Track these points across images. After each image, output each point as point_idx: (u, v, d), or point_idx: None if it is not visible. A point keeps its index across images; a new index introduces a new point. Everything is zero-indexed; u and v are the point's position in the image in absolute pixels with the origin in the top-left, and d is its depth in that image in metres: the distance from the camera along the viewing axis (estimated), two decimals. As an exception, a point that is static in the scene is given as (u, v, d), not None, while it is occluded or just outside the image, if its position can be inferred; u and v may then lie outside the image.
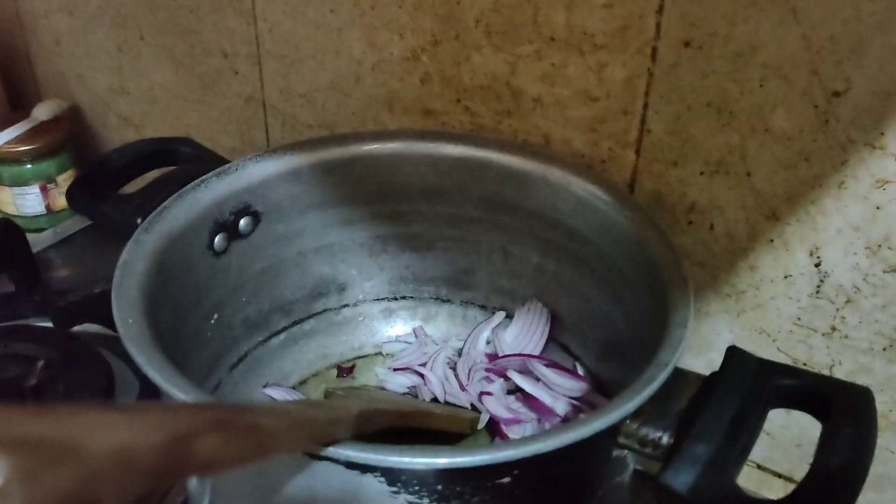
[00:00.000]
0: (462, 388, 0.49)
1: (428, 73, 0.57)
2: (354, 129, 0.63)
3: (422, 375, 0.50)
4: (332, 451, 0.28)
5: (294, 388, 0.51)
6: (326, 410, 0.31)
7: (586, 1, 0.48)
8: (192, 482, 0.37)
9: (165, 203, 0.41)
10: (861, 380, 0.49)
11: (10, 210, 0.78)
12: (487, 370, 0.50)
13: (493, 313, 0.54)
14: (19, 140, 0.77)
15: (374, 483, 0.30)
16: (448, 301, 0.55)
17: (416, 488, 0.30)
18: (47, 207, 0.79)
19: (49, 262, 0.74)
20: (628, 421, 0.33)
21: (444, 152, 0.49)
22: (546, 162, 0.47)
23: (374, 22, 0.57)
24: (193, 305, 0.43)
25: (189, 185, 0.42)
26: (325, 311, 0.53)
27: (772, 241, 0.48)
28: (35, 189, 0.78)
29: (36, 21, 0.81)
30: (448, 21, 0.54)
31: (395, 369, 0.51)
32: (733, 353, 0.35)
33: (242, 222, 0.46)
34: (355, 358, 0.54)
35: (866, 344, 0.48)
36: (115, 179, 0.47)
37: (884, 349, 0.47)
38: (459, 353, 0.53)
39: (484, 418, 0.48)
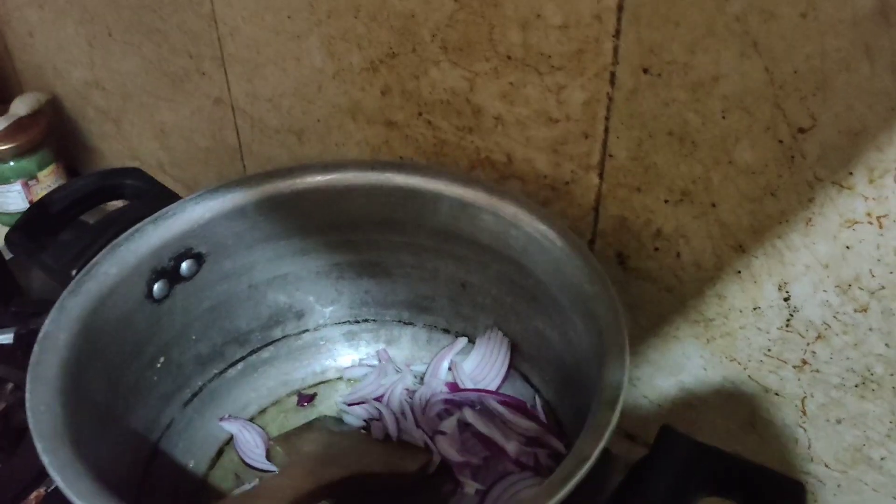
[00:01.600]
0: (417, 424, 0.48)
1: (388, 84, 0.54)
2: (321, 136, 0.61)
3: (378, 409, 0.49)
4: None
5: (252, 419, 0.51)
6: None
7: (541, 21, 0.45)
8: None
9: (96, 259, 0.40)
10: (833, 413, 0.47)
11: (-5, 208, 0.78)
12: (445, 402, 0.49)
13: (457, 337, 0.53)
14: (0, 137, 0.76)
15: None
16: (411, 324, 0.54)
17: None
18: (30, 203, 0.78)
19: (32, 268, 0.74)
20: (549, 512, 0.32)
21: (394, 183, 0.47)
22: (498, 196, 0.45)
23: (331, 31, 0.54)
24: (134, 356, 0.43)
25: (122, 236, 0.41)
26: (284, 337, 0.53)
27: (739, 272, 0.46)
28: (17, 186, 0.77)
29: (10, 13, 0.79)
30: (404, 34, 0.51)
31: (349, 404, 0.50)
32: (666, 435, 0.33)
33: (184, 266, 0.44)
34: (317, 384, 0.54)
35: (838, 379, 0.46)
36: (57, 221, 0.46)
37: (856, 385, 0.45)
38: (422, 378, 0.52)
39: (436, 460, 0.47)
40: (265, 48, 0.59)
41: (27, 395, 0.33)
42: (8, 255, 0.67)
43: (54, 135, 0.80)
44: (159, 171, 0.77)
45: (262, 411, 0.52)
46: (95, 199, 0.48)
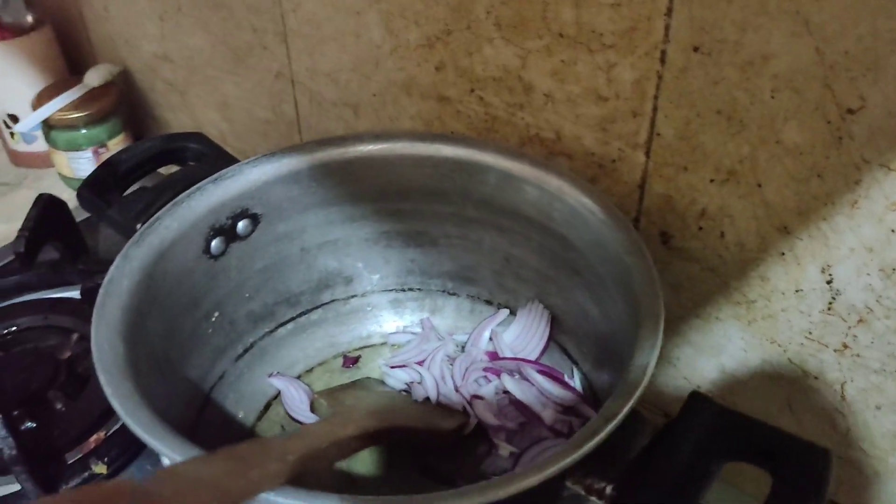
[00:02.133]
0: (456, 389, 0.50)
1: (442, 61, 0.55)
2: (376, 110, 0.63)
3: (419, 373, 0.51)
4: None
5: (300, 377, 0.53)
6: (260, 458, 0.32)
7: (594, -2, 0.45)
8: None
9: (159, 214, 0.42)
10: (873, 399, 0.47)
11: (66, 173, 0.82)
12: (485, 370, 0.51)
13: (499, 309, 0.54)
14: (72, 107, 0.80)
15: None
16: (455, 294, 0.55)
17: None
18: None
19: (102, 229, 0.78)
20: (576, 468, 0.33)
21: (443, 154, 0.48)
22: (544, 169, 0.46)
23: (389, 8, 0.56)
24: (191, 307, 0.45)
25: (184, 194, 0.44)
26: (332, 301, 0.55)
27: (783, 254, 0.46)
28: (88, 153, 0.81)
29: (86, -14, 0.83)
30: (459, 11, 0.52)
31: (391, 367, 0.52)
32: (694, 400, 0.34)
33: (240, 225, 0.47)
34: (362, 347, 0.55)
35: (878, 364, 0.46)
36: (123, 180, 0.49)
37: (896, 371, 0.45)
38: (463, 347, 0.53)
39: (472, 422, 0.48)
40: (326, 24, 0.61)
41: (92, 334, 0.36)
42: (79, 217, 0.70)
43: (124, 105, 0.83)
44: (221, 141, 0.79)
45: (309, 370, 0.54)
46: (160, 161, 0.51)
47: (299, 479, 0.31)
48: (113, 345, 0.36)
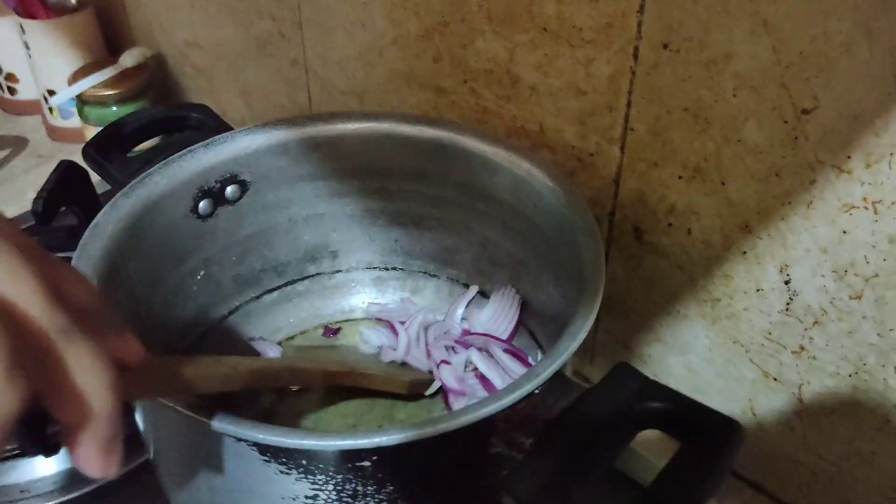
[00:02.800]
0: (427, 353, 0.52)
1: (440, 52, 0.58)
2: (380, 98, 0.66)
3: (395, 333, 0.53)
4: (212, 422, 0.32)
5: (280, 343, 0.56)
6: (221, 367, 0.35)
7: (574, -5, 0.47)
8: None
9: (150, 170, 0.46)
10: (829, 403, 0.48)
11: (96, 147, 0.87)
12: (456, 341, 0.53)
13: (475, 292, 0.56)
14: (106, 84, 0.84)
15: (248, 451, 0.33)
16: (435, 276, 0.57)
17: (284, 460, 0.33)
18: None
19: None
20: (500, 422, 0.35)
21: (425, 136, 0.51)
22: (516, 154, 0.48)
23: (393, -1, 0.59)
24: (176, 262, 0.48)
25: (176, 154, 0.47)
26: (318, 274, 0.57)
27: (745, 252, 0.47)
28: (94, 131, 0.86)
29: (127, -27, 0.88)
30: (455, 3, 0.55)
31: (378, 319, 0.55)
32: (619, 369, 0.36)
33: (229, 190, 0.50)
34: (343, 321, 0.58)
35: (833, 367, 0.46)
36: (126, 141, 0.52)
37: (849, 375, 0.46)
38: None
39: (435, 385, 0.50)
40: (336, 13, 0.64)
41: (74, 264, 0.39)
42: (100, 190, 0.74)
43: (154, 87, 0.88)
44: (241, 125, 0.83)
45: (290, 338, 0.56)
46: (164, 126, 0.54)
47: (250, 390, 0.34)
48: (95, 275, 0.39)
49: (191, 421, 0.33)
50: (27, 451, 0.52)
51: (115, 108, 0.85)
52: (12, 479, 0.53)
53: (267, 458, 0.34)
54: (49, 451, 0.53)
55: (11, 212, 0.80)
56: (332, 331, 0.57)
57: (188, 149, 0.47)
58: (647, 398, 0.34)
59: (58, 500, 0.52)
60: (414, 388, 0.50)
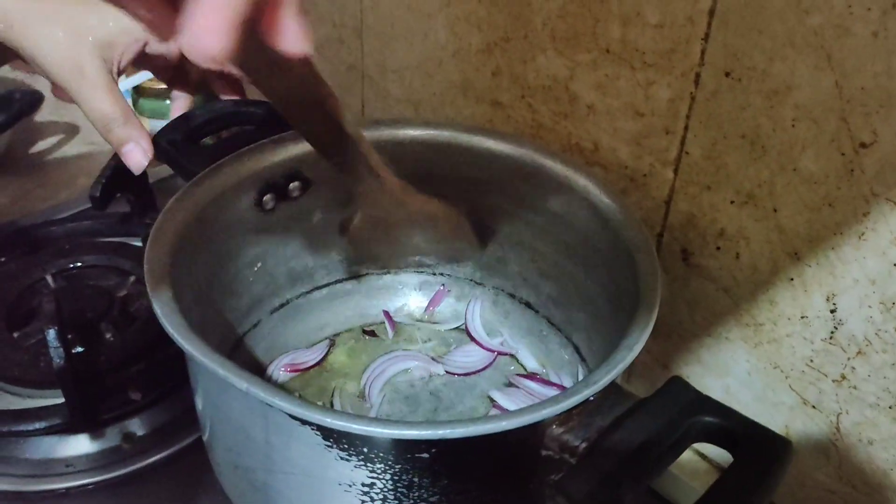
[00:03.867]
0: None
1: (499, 66, 0.59)
2: (435, 108, 0.67)
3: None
4: (277, 402, 0.33)
5: (328, 338, 0.57)
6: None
7: (640, 19, 0.49)
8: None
9: (220, 162, 0.47)
10: (866, 433, 0.48)
11: (149, 139, 0.89)
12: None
13: (521, 304, 0.57)
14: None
15: (311, 434, 0.35)
16: (481, 284, 0.59)
17: (346, 446, 0.35)
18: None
19: (172, 190, 0.84)
20: (555, 426, 0.36)
21: (484, 146, 0.52)
22: (573, 169, 0.50)
23: (456, 12, 0.60)
24: (236, 253, 0.50)
25: (245, 149, 0.49)
26: (367, 274, 0.59)
27: (792, 279, 0.48)
28: (148, 122, 0.88)
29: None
30: (519, 20, 0.56)
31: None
32: (673, 383, 0.37)
33: (292, 186, 0.51)
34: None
35: (873, 398, 0.47)
36: (195, 133, 0.54)
37: (890, 406, 0.46)
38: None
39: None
40: (399, 23, 0.66)
41: (147, 250, 0.41)
42: (152, 179, 0.77)
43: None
44: (291, 127, 0.86)
45: (337, 334, 0.58)
46: (230, 121, 0.56)
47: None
48: (163, 262, 0.40)
49: (257, 403, 0.35)
50: (73, 425, 0.54)
51: (168, 102, 0.87)
52: (58, 453, 0.55)
53: (329, 444, 0.35)
54: (95, 427, 0.55)
55: (63, 196, 0.82)
56: (371, 332, 0.59)
57: (257, 143, 0.49)
58: (700, 412, 0.35)
59: (101, 477, 0.54)
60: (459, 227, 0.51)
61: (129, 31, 0.50)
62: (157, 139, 0.52)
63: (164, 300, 0.37)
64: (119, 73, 0.51)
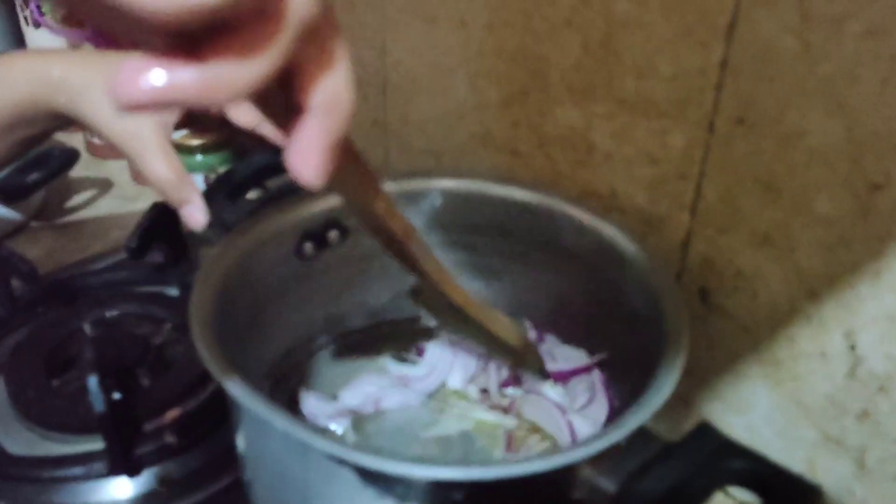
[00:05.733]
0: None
1: (518, 118, 0.62)
2: (456, 159, 0.70)
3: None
4: (315, 442, 0.35)
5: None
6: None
7: (654, 71, 0.51)
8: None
9: (262, 212, 0.50)
10: (891, 468, 0.49)
11: (178, 193, 0.92)
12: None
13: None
14: (192, 133, 0.90)
15: (348, 473, 0.36)
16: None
17: (381, 486, 0.36)
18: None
19: (206, 241, 0.87)
20: (586, 469, 0.37)
21: (514, 197, 0.55)
22: (601, 218, 0.52)
23: (477, 68, 0.63)
24: (277, 297, 0.52)
25: (286, 200, 0.51)
26: (400, 319, 0.61)
27: (810, 317, 0.50)
28: (201, 177, 0.91)
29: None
30: (537, 75, 0.59)
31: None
32: (701, 429, 0.38)
33: (331, 234, 0.54)
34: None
35: (896, 433, 0.48)
36: (238, 188, 0.57)
37: (913, 441, 0.47)
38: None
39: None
40: (420, 79, 0.69)
41: (192, 295, 0.43)
42: (186, 230, 0.79)
43: (238, 138, 0.93)
44: (316, 179, 0.88)
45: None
46: (270, 172, 0.59)
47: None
48: (206, 307, 0.42)
49: (295, 442, 0.36)
50: (113, 469, 0.55)
51: (200, 157, 0.90)
52: (98, 497, 0.56)
53: (365, 483, 0.36)
54: (133, 471, 0.57)
55: (96, 248, 0.85)
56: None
57: (297, 195, 0.52)
58: (728, 457, 0.37)
59: (136, 522, 0.55)
60: (525, 352, 0.52)
61: None
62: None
63: (207, 344, 0.39)
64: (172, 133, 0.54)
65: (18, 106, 0.51)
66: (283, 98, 0.28)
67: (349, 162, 0.34)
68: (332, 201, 0.53)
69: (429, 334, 0.61)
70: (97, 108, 0.50)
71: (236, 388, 0.37)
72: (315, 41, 0.27)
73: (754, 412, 0.55)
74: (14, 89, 0.51)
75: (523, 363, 0.55)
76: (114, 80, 0.22)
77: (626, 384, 0.53)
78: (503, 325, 0.51)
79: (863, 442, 0.50)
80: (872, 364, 0.47)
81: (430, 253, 0.45)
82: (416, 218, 0.56)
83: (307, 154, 0.27)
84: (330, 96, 0.28)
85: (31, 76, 0.51)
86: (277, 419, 0.36)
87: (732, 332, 0.54)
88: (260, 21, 0.24)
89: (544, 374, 0.56)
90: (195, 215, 0.50)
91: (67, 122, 0.54)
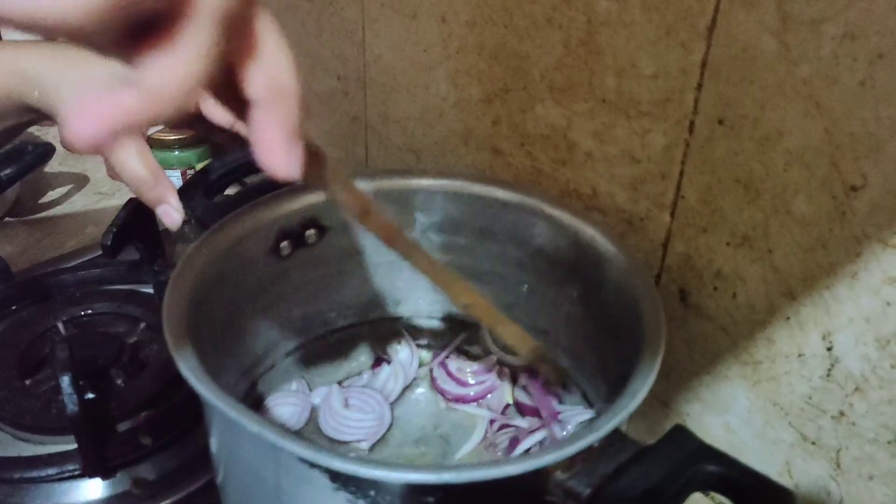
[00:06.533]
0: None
1: (499, 116, 0.62)
2: (436, 156, 0.69)
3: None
4: (287, 445, 0.34)
5: (340, 382, 0.58)
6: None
7: (635, 70, 0.51)
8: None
9: (239, 210, 0.49)
10: (866, 469, 0.49)
11: (155, 188, 0.91)
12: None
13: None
14: (169, 130, 0.89)
15: (319, 477, 0.36)
16: (489, 329, 0.60)
17: (353, 490, 0.36)
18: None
19: (181, 238, 0.86)
20: (559, 472, 0.37)
21: (495, 196, 0.54)
22: (580, 219, 0.51)
23: (457, 65, 0.63)
24: (252, 297, 0.51)
25: (263, 198, 0.51)
26: (380, 318, 0.60)
27: (788, 318, 0.50)
28: (177, 173, 0.90)
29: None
30: (518, 73, 0.59)
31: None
32: (676, 431, 0.38)
33: (308, 233, 0.53)
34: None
35: (872, 434, 0.48)
36: (215, 186, 0.56)
37: (888, 442, 0.47)
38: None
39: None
40: (401, 75, 0.69)
41: (166, 295, 0.42)
42: (161, 225, 0.78)
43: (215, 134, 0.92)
44: (295, 176, 0.88)
45: (348, 377, 0.59)
46: (247, 170, 0.58)
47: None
48: (181, 307, 0.42)
49: (267, 445, 0.36)
50: (86, 470, 0.55)
51: (177, 153, 0.89)
52: (70, 499, 0.55)
53: (337, 486, 0.36)
54: (106, 472, 0.56)
55: (72, 244, 0.84)
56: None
57: (275, 192, 0.51)
58: (703, 461, 0.36)
59: (111, 524, 0.54)
60: (538, 359, 0.51)
61: None
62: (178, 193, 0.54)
63: (180, 345, 0.39)
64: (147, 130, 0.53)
65: None
66: (235, 96, 0.27)
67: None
68: (310, 199, 0.53)
69: (406, 335, 0.60)
70: (70, 103, 0.49)
71: (207, 390, 0.37)
72: (243, 33, 0.26)
73: (732, 413, 0.55)
74: None
75: (538, 371, 0.55)
76: (63, 131, 0.23)
77: (602, 385, 0.53)
78: (513, 333, 0.50)
79: (839, 442, 0.50)
80: (849, 365, 0.48)
81: (421, 251, 0.44)
82: (398, 217, 0.56)
83: (269, 148, 0.27)
84: (271, 86, 0.27)
85: (3, 69, 0.50)
86: (249, 422, 0.35)
87: (711, 333, 0.54)
88: (173, 17, 0.24)
89: (563, 382, 0.55)
90: (171, 214, 0.49)
91: (42, 116, 0.53)
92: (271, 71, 0.27)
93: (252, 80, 0.27)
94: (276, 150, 0.27)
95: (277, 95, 0.27)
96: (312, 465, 0.35)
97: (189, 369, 0.38)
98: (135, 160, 0.49)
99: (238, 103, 0.28)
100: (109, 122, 0.23)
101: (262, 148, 0.27)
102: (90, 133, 0.23)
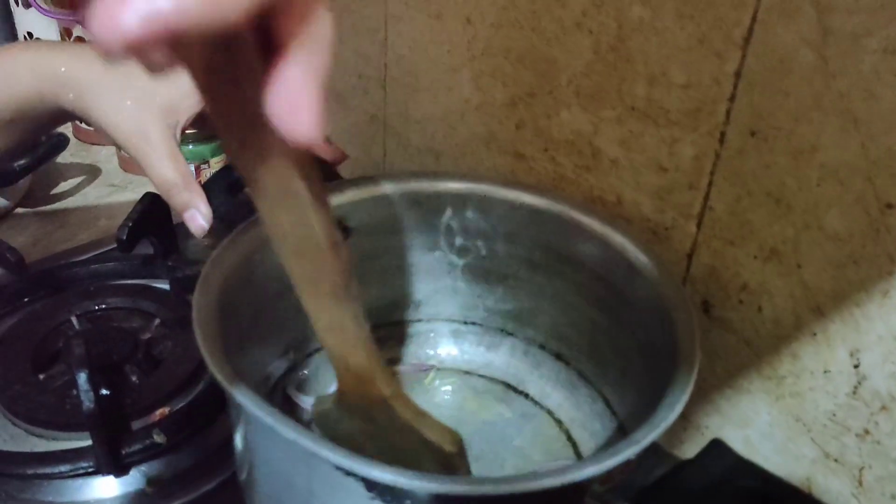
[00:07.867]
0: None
1: (523, 120, 0.61)
2: (456, 159, 0.69)
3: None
4: (324, 453, 0.34)
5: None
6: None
7: (666, 79, 0.51)
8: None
9: (262, 212, 0.49)
10: (889, 488, 0.49)
11: (168, 182, 0.90)
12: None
13: (551, 355, 0.58)
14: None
15: (354, 485, 0.35)
16: (512, 334, 0.59)
17: (388, 499, 0.35)
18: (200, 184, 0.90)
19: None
20: (597, 485, 0.36)
21: (521, 201, 0.54)
22: (610, 226, 0.51)
23: (482, 67, 0.62)
24: (277, 297, 0.50)
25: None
26: (401, 321, 0.60)
27: (815, 334, 0.49)
28: (191, 168, 0.89)
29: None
30: (545, 77, 0.58)
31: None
32: (714, 446, 0.37)
33: (335, 234, 0.53)
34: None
35: (897, 453, 0.48)
36: (238, 183, 0.56)
37: (914, 462, 0.47)
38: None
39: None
40: (423, 76, 0.68)
41: (195, 295, 0.41)
42: (176, 220, 0.78)
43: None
44: (310, 173, 0.87)
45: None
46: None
47: None
48: (210, 307, 0.41)
49: (301, 452, 0.35)
50: (100, 468, 0.54)
51: (191, 147, 0.88)
52: (83, 496, 0.55)
53: (373, 496, 0.35)
54: (120, 470, 0.55)
55: (84, 237, 0.83)
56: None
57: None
58: (740, 475, 0.36)
59: (122, 522, 0.54)
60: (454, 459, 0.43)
61: (190, 94, 0.51)
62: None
63: (212, 348, 0.38)
64: (180, 135, 0.53)
65: (23, 100, 0.50)
66: (254, 50, 0.24)
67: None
68: (336, 199, 0.52)
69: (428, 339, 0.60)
70: (105, 106, 0.48)
71: (241, 394, 0.36)
72: None
73: (753, 427, 0.55)
74: (19, 83, 0.49)
75: (452, 469, 0.45)
76: (92, 23, 0.18)
77: (627, 393, 0.52)
78: (432, 427, 0.43)
79: (862, 460, 0.49)
80: (876, 383, 0.47)
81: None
82: (422, 219, 0.55)
83: (297, 101, 0.23)
84: (314, 32, 0.24)
85: (38, 71, 0.49)
86: (284, 428, 0.35)
87: (734, 346, 0.54)
88: None
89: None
90: (198, 220, 0.49)
91: (73, 117, 0.52)
92: (317, 15, 0.24)
93: (299, 22, 0.24)
94: (303, 106, 0.23)
95: (319, 43, 0.24)
96: (348, 473, 0.34)
97: (224, 374, 0.37)
98: (167, 164, 0.48)
99: (254, 60, 0.24)
100: (156, 14, 0.18)
101: (285, 103, 0.24)
102: (124, 24, 0.18)
